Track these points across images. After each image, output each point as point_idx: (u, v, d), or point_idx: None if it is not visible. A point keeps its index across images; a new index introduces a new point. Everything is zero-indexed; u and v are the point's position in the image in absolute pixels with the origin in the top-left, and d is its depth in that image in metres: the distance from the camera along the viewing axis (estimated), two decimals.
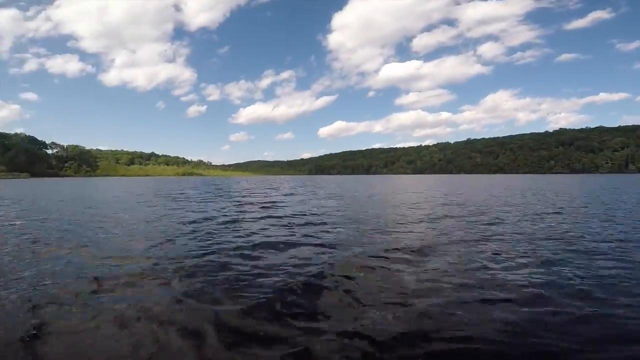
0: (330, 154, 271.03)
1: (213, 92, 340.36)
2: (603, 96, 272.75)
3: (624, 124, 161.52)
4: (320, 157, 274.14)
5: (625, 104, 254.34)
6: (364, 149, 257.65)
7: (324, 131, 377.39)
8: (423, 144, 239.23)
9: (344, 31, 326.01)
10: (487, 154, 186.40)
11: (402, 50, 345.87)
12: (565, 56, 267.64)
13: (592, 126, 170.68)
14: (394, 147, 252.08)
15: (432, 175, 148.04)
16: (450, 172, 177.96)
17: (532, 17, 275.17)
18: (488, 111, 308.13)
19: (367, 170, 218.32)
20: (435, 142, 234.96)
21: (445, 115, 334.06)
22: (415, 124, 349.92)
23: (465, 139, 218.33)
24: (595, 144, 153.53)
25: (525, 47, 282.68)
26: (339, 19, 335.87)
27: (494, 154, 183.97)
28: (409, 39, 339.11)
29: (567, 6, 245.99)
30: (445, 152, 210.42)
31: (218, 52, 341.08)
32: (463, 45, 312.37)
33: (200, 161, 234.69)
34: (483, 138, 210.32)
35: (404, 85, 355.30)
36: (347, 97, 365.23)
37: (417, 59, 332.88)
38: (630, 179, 50.31)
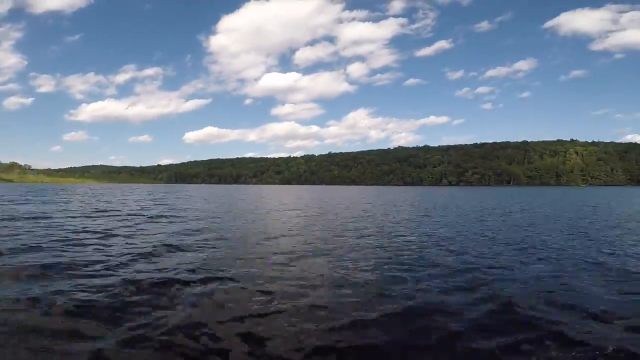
0: (195, 162, 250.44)
1: (46, 83, 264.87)
2: (432, 119, 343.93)
3: (442, 144, 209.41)
4: (183, 164, 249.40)
5: (445, 126, 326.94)
6: (235, 157, 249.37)
7: (190, 136, 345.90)
8: (292, 155, 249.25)
9: (230, 34, 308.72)
10: (344, 167, 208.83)
11: (285, 61, 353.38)
12: (411, 80, 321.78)
13: (420, 145, 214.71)
14: (265, 157, 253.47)
15: (299, 185, 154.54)
16: (314, 183, 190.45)
17: (395, 42, 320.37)
18: (349, 127, 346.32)
19: (236, 180, 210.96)
20: (303, 154, 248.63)
21: (314, 128, 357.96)
22: (288, 135, 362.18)
23: (327, 153, 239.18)
24: (421, 161, 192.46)
25: (384, 69, 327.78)
26: (227, 22, 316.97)
27: (348, 167, 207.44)
28: (293, 50, 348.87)
29: (421, 34, 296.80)
30: (310, 164, 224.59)
31: (64, 39, 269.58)
32: (337, 62, 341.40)
33: (14, 164, 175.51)
34: (341, 152, 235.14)
35: (281, 96, 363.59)
36: (222, 102, 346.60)
37: (297, 71, 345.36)
38: (442, 190, 64.23)
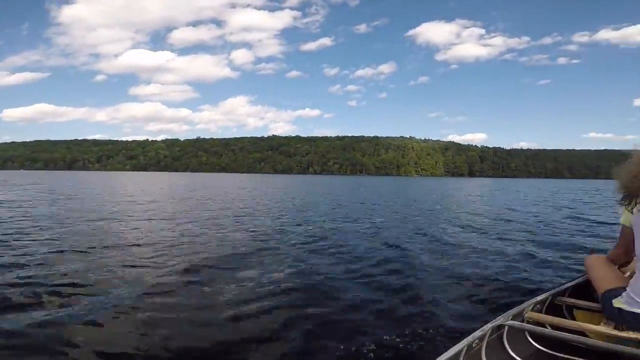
0: (14, 143, 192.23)
1: None
2: (307, 111, 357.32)
3: (312, 135, 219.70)
4: None
5: (317, 119, 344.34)
6: (73, 138, 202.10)
7: (12, 114, 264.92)
8: (153, 139, 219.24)
9: (92, 6, 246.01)
10: (213, 153, 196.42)
11: (159, 39, 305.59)
12: (293, 73, 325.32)
13: (293, 135, 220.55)
14: (115, 139, 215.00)
15: (158, 172, 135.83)
16: (176, 170, 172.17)
17: (285, 34, 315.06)
18: (226, 113, 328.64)
19: (70, 165, 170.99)
20: (166, 138, 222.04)
21: (185, 112, 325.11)
22: (150, 117, 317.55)
23: (196, 137, 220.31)
24: (291, 150, 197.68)
25: (270, 59, 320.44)
26: None
27: (218, 154, 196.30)
28: (171, 29, 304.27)
29: (310, 29, 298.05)
30: (173, 149, 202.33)
31: None
32: (222, 47, 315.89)
33: None
34: (212, 138, 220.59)
35: (146, 75, 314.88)
36: (64, 77, 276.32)
37: (172, 51, 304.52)
38: (313, 179, 65.70)
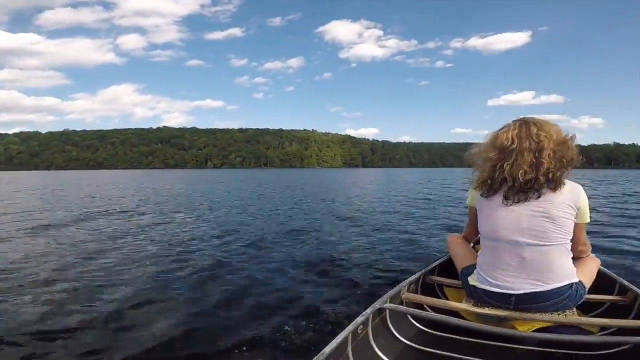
0: None
1: None
2: (208, 102, 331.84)
3: (211, 127, 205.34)
4: None
5: (219, 110, 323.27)
6: None
7: None
8: (4, 132, 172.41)
9: None
10: (85, 147, 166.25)
11: (23, 20, 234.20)
12: (194, 62, 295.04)
13: (190, 127, 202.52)
14: None
15: (7, 172, 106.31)
16: (36, 168, 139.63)
17: (188, 21, 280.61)
18: (106, 102, 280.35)
19: None
20: (20, 131, 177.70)
21: (51, 100, 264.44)
22: (0, 107, 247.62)
23: (63, 130, 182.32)
24: (186, 143, 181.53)
25: (166, 46, 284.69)
26: None
27: (92, 148, 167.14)
28: (41, 10, 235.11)
29: (219, 18, 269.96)
30: (30, 143, 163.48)
31: None
32: (107, 31, 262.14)
33: None
34: (84, 130, 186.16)
35: None
36: None
37: (39, 33, 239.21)
38: (210, 173, 58.50)
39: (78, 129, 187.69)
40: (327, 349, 1.12)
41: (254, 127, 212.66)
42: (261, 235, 4.87)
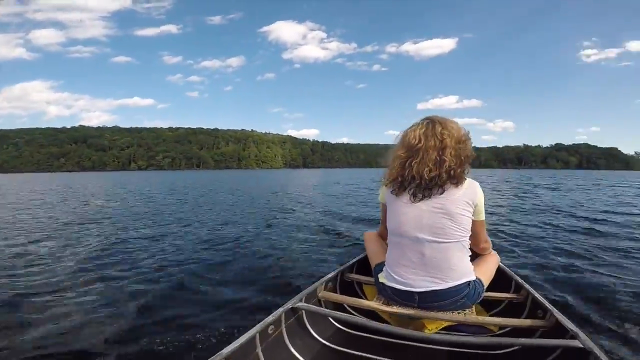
0: None
1: None
2: (136, 100, 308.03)
3: (138, 126, 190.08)
4: None
5: (149, 109, 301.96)
6: None
7: None
8: None
9: None
10: None
11: None
12: (121, 58, 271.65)
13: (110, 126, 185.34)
14: None
15: None
16: None
17: (117, 17, 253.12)
18: (12, 100, 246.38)
19: None
20: None
21: None
22: None
23: None
24: (106, 143, 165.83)
25: (89, 42, 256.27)
26: None
27: None
28: None
29: (151, 14, 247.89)
30: None
31: None
32: (18, 25, 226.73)
33: None
34: None
35: None
36: None
37: None
38: (128, 175, 52.14)
39: None
40: (227, 349, 1.09)
41: (186, 127, 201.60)
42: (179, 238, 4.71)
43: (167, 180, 30.64)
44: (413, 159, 1.39)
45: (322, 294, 1.66)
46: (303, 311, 1.51)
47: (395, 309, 1.45)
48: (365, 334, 1.53)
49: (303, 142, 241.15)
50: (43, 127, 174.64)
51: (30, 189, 17.90)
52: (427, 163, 1.35)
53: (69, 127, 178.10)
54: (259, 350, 1.24)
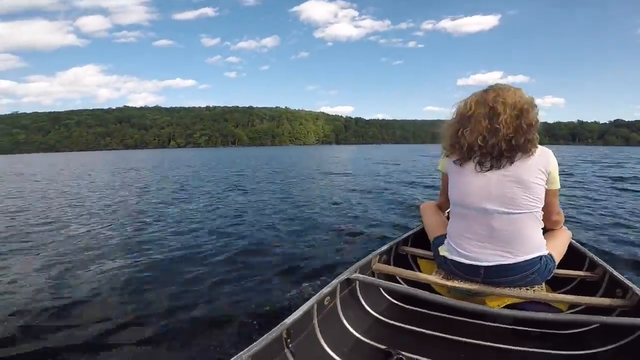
0: None
1: None
2: (178, 81, 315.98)
3: (180, 105, 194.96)
4: None
5: (190, 89, 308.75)
6: None
7: None
8: None
9: None
10: (36, 130, 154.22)
11: None
12: (163, 42, 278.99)
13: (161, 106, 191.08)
14: None
15: None
16: None
17: (156, 1, 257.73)
18: (67, 84, 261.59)
19: None
20: None
21: (5, 84, 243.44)
22: None
23: (10, 112, 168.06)
24: (148, 122, 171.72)
25: (133, 27, 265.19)
26: None
27: (43, 131, 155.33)
28: None
29: None
30: None
31: None
32: (66, 12, 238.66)
33: None
34: (35, 112, 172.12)
35: None
36: None
37: None
38: (171, 154, 53.56)
39: (31, 112, 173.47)
40: (288, 320, 1.09)
41: (222, 105, 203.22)
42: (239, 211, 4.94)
43: (213, 157, 31.59)
44: (464, 128, 1.31)
45: (376, 266, 1.61)
46: (357, 282, 1.47)
47: (456, 283, 1.37)
48: (419, 309, 1.48)
49: (336, 118, 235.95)
50: (90, 108, 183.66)
51: (88, 168, 18.33)
52: (479, 131, 1.26)
53: (114, 108, 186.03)
54: (315, 321, 1.22)
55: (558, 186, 1.35)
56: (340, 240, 3.20)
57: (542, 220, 1.35)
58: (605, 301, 1.29)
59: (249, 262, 2.70)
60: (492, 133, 1.26)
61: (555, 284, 1.61)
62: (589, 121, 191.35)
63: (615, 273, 1.45)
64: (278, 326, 1.04)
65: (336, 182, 8.76)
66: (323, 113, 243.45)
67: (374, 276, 1.56)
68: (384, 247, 1.73)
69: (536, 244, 1.31)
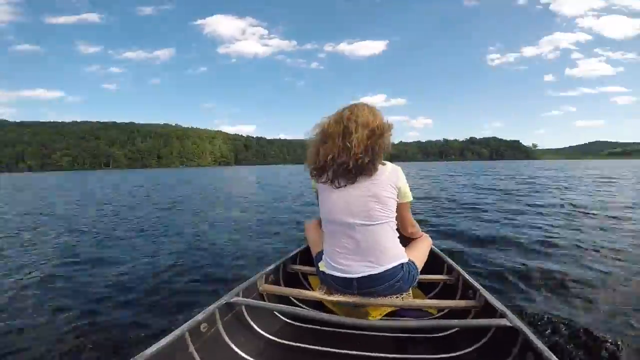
0: None
1: None
2: (40, 92, 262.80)
3: (50, 120, 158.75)
4: None
5: (56, 102, 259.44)
6: None
7: None
8: None
9: None
10: None
11: None
12: (25, 46, 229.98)
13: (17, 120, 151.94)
14: None
15: None
16: None
17: (28, 2, 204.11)
18: None
19: None
20: None
21: None
22: None
23: None
24: None
25: None
26: None
27: None
28: None
29: (71, 1, 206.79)
30: None
31: None
32: None
33: None
34: None
35: None
36: None
37: None
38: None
39: None
40: (150, 350, 1.00)
41: (94, 120, 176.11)
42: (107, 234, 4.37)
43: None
44: (324, 145, 1.36)
45: (264, 287, 1.59)
46: (243, 306, 1.43)
47: (336, 297, 1.43)
48: (312, 326, 1.49)
49: (236, 137, 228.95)
50: None
51: None
52: (332, 149, 1.33)
53: None
54: (192, 349, 1.16)
55: (409, 199, 1.44)
56: (223, 263, 2.93)
57: (402, 230, 1.49)
58: (461, 303, 1.41)
59: (118, 299, 2.23)
60: (344, 151, 1.31)
61: (425, 288, 1.76)
62: (451, 139, 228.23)
63: (467, 276, 1.57)
64: (137, 357, 0.95)
65: (221, 207, 7.47)
66: (221, 132, 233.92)
67: (262, 298, 1.57)
68: (270, 267, 1.71)
69: (396, 253, 1.38)
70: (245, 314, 1.44)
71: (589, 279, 2.33)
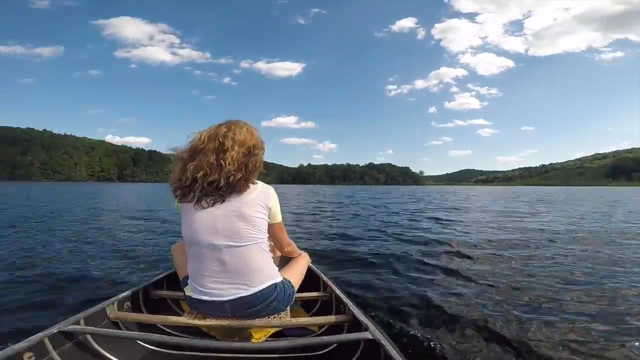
0: None
1: None
2: None
3: None
4: None
5: None
6: None
7: None
8: None
9: None
10: None
11: None
12: None
13: None
14: None
15: None
16: None
17: None
18: None
19: None
20: None
21: None
22: None
23: None
24: None
25: None
26: None
27: None
28: None
29: None
30: None
31: None
32: None
33: None
34: None
35: None
36: None
37: None
38: None
39: None
40: None
41: None
42: None
43: None
44: (192, 162, 1.29)
45: (116, 314, 1.46)
46: (88, 335, 1.29)
47: (210, 321, 1.35)
48: (185, 352, 1.38)
49: (122, 149, 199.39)
50: None
51: None
52: (203, 167, 1.26)
53: None
54: None
55: (279, 220, 1.43)
56: (62, 286, 2.62)
57: (278, 250, 1.55)
58: (333, 319, 1.42)
59: None
60: (216, 169, 1.25)
61: (307, 305, 1.77)
62: (353, 164, 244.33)
63: (338, 292, 1.60)
64: None
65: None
66: (104, 142, 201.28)
67: (118, 326, 1.45)
68: (126, 293, 1.59)
69: (268, 273, 1.35)
70: (94, 343, 1.30)
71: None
